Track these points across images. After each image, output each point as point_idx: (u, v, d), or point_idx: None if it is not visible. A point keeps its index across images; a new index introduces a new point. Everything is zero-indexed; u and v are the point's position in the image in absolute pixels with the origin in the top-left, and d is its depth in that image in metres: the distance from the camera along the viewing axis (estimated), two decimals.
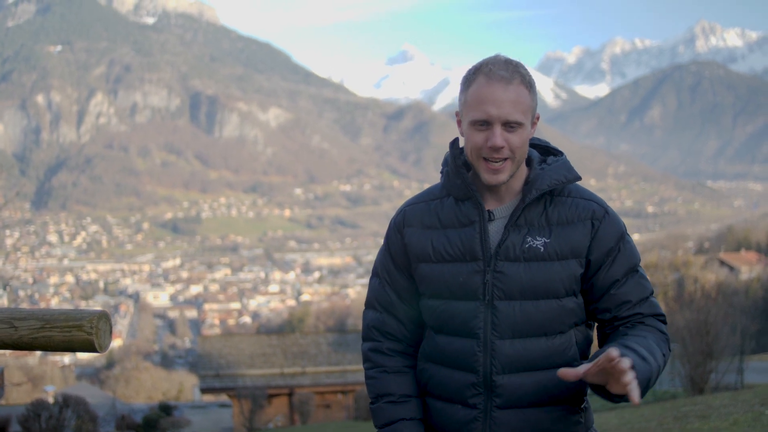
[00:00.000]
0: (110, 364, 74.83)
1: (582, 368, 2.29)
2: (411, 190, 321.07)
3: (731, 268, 75.46)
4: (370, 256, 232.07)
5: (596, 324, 2.73)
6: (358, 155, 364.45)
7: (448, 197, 2.68)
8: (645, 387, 2.32)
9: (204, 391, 31.55)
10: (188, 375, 63.43)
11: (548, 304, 2.54)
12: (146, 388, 53.75)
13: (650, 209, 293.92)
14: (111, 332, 2.42)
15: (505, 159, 2.52)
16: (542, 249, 2.54)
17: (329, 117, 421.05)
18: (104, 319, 2.38)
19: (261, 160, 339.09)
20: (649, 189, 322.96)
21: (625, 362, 2.22)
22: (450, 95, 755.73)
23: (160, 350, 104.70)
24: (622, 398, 2.32)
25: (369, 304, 2.84)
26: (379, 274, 2.81)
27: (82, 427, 18.51)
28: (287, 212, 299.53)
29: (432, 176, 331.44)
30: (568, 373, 2.29)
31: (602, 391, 2.38)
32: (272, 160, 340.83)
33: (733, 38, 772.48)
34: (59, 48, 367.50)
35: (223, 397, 35.76)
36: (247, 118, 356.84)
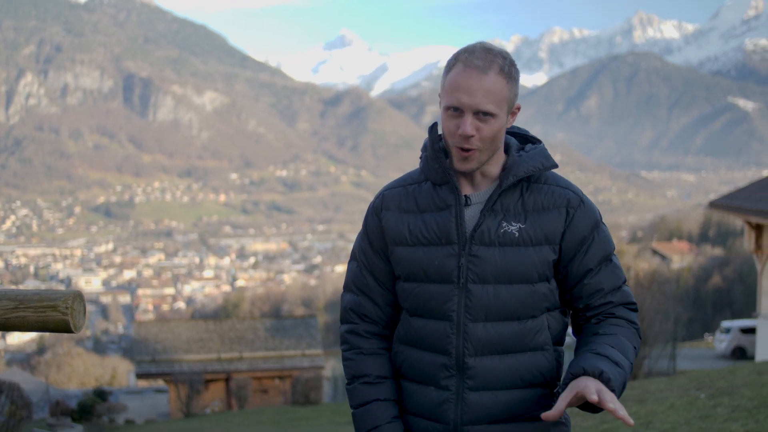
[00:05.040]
0: (41, 350, 73.62)
1: (560, 406, 2.28)
2: (348, 176, 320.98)
3: (663, 257, 77.00)
4: (306, 242, 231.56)
5: (570, 312, 2.74)
6: (295, 140, 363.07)
7: (426, 182, 2.69)
8: (621, 391, 2.34)
9: (140, 376, 31.33)
10: (122, 360, 62.75)
11: (521, 288, 2.55)
12: (79, 373, 52.94)
13: None
14: (85, 313, 2.40)
15: (474, 149, 2.53)
16: (516, 234, 2.55)
17: (266, 101, 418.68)
18: (79, 299, 2.36)
19: (196, 144, 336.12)
20: (584, 178, 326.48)
21: (607, 396, 2.22)
22: (388, 81, 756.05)
23: (93, 336, 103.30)
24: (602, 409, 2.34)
25: (347, 287, 2.84)
26: (357, 258, 2.81)
27: (16, 413, 18.18)
28: (222, 197, 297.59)
29: (369, 162, 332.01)
30: (549, 415, 2.28)
31: (585, 406, 2.37)
32: (207, 144, 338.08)
33: (670, 30, 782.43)
34: None
35: (160, 383, 35.42)
36: (182, 102, 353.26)
